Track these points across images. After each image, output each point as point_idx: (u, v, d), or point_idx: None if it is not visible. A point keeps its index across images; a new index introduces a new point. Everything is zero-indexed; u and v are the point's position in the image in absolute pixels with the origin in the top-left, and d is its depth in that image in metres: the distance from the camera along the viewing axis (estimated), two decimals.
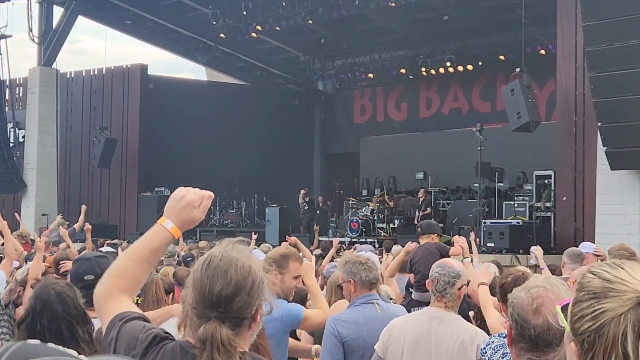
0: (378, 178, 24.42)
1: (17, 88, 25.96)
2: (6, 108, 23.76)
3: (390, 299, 6.19)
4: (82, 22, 24.42)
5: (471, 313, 5.37)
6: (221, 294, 2.09)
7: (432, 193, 20.75)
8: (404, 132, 25.86)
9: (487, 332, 4.15)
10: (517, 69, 17.22)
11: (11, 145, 23.69)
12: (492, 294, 4.70)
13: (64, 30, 23.89)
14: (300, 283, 4.84)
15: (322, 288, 5.85)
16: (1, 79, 22.52)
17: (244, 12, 22.78)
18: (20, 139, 24.54)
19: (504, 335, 3.11)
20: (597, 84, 14.16)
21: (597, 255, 6.97)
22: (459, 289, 3.97)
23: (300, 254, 6.05)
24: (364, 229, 20.19)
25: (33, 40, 23.76)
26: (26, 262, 6.80)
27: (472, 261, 7.38)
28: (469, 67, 23.88)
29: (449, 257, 6.78)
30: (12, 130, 24.38)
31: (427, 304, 4.31)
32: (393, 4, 20.40)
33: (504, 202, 18.56)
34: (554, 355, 2.07)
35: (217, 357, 2.05)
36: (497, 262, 7.99)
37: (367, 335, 4.34)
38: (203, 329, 2.08)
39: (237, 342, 2.09)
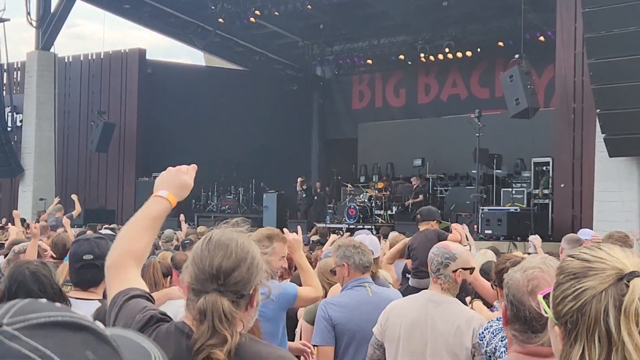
0: (376, 164, 24.41)
1: (15, 72, 25.88)
2: (4, 92, 23.73)
3: (391, 284, 6.21)
4: (80, 6, 24.34)
5: (468, 299, 5.35)
6: (221, 266, 2.10)
7: (430, 180, 20.74)
8: (402, 118, 25.83)
9: (485, 303, 4.12)
10: (516, 56, 17.19)
11: (9, 129, 23.65)
12: (487, 279, 4.70)
13: (62, 14, 23.79)
14: (286, 263, 4.81)
15: None
16: None
17: None
18: (18, 123, 24.49)
19: None
20: (596, 71, 14.14)
21: (596, 242, 6.97)
22: (454, 271, 3.95)
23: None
24: (361, 216, 20.19)
25: (31, 24, 23.66)
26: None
27: (470, 249, 7.41)
28: (468, 53, 23.84)
29: None
30: (9, 114, 24.33)
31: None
32: None
33: (502, 189, 18.58)
34: (549, 337, 2.07)
35: (218, 325, 2.03)
36: (494, 249, 8.00)
37: (358, 318, 4.36)
38: (203, 299, 2.07)
39: (237, 313, 2.08)
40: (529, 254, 6.04)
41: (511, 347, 2.14)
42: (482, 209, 16.80)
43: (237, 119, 24.98)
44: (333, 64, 28.35)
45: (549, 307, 1.43)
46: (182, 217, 14.02)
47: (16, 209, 14.98)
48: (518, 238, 15.34)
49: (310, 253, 8.76)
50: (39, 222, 10.42)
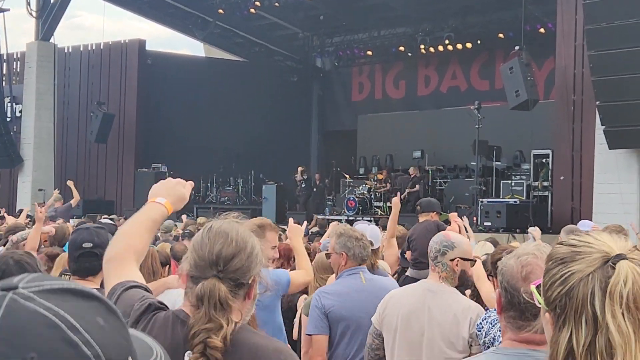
0: (375, 156, 24.39)
1: (15, 62, 25.85)
2: (3, 82, 23.69)
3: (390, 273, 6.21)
4: None
5: (467, 292, 5.34)
6: (221, 252, 2.12)
7: (430, 171, 20.73)
8: (402, 110, 25.79)
9: (483, 305, 4.13)
10: (517, 47, 17.17)
11: (8, 120, 23.62)
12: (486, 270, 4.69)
13: (62, 5, 23.74)
14: (277, 253, 4.86)
15: None
16: None
17: None
18: (18, 114, 24.47)
19: None
20: (597, 63, 14.11)
21: None
22: (452, 260, 3.94)
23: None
24: (360, 207, 20.19)
25: (31, 14, 23.63)
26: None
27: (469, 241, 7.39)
28: (468, 45, 23.80)
29: None
30: (9, 104, 24.30)
31: None
32: None
33: (502, 181, 18.57)
34: (542, 324, 2.07)
35: (213, 313, 2.05)
36: (493, 241, 7.99)
37: (351, 305, 4.38)
38: (201, 285, 2.09)
39: (235, 302, 2.10)
40: None
41: (505, 335, 2.15)
42: (482, 201, 16.80)
43: (236, 111, 24.96)
44: (333, 56, 28.31)
45: (540, 296, 1.43)
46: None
47: (15, 200, 14.98)
48: (517, 230, 15.33)
49: (309, 244, 8.76)
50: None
